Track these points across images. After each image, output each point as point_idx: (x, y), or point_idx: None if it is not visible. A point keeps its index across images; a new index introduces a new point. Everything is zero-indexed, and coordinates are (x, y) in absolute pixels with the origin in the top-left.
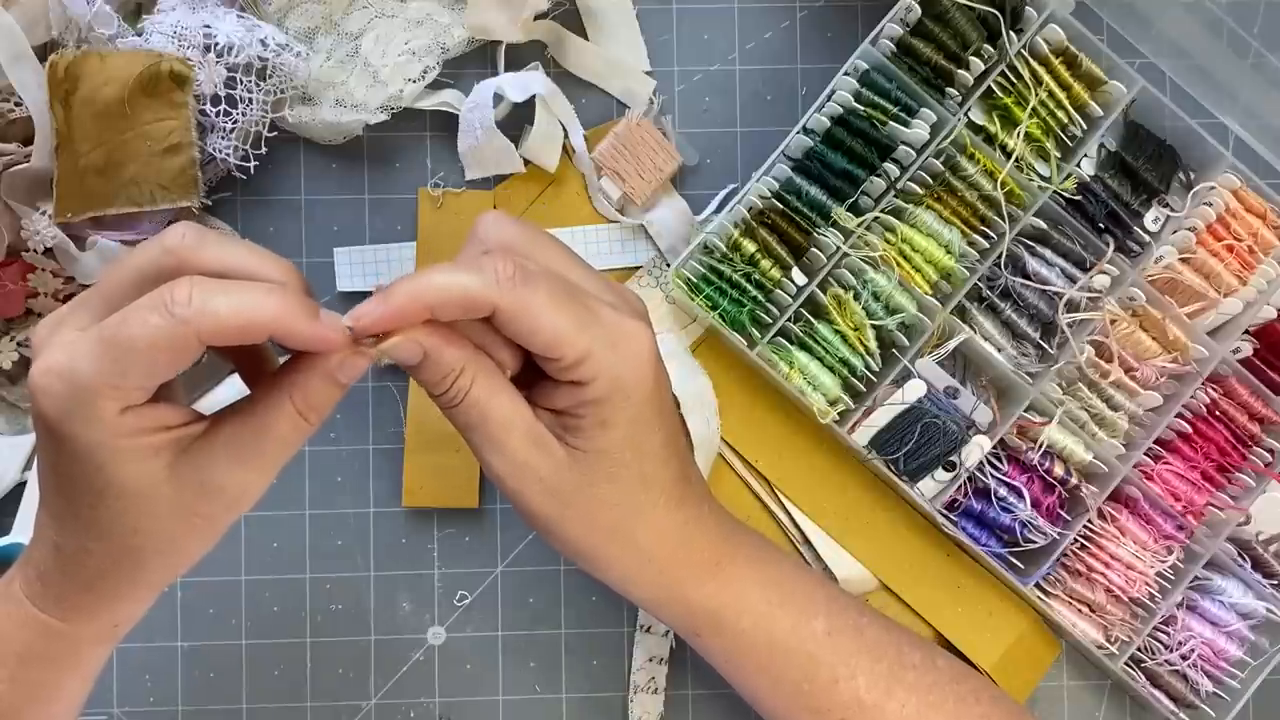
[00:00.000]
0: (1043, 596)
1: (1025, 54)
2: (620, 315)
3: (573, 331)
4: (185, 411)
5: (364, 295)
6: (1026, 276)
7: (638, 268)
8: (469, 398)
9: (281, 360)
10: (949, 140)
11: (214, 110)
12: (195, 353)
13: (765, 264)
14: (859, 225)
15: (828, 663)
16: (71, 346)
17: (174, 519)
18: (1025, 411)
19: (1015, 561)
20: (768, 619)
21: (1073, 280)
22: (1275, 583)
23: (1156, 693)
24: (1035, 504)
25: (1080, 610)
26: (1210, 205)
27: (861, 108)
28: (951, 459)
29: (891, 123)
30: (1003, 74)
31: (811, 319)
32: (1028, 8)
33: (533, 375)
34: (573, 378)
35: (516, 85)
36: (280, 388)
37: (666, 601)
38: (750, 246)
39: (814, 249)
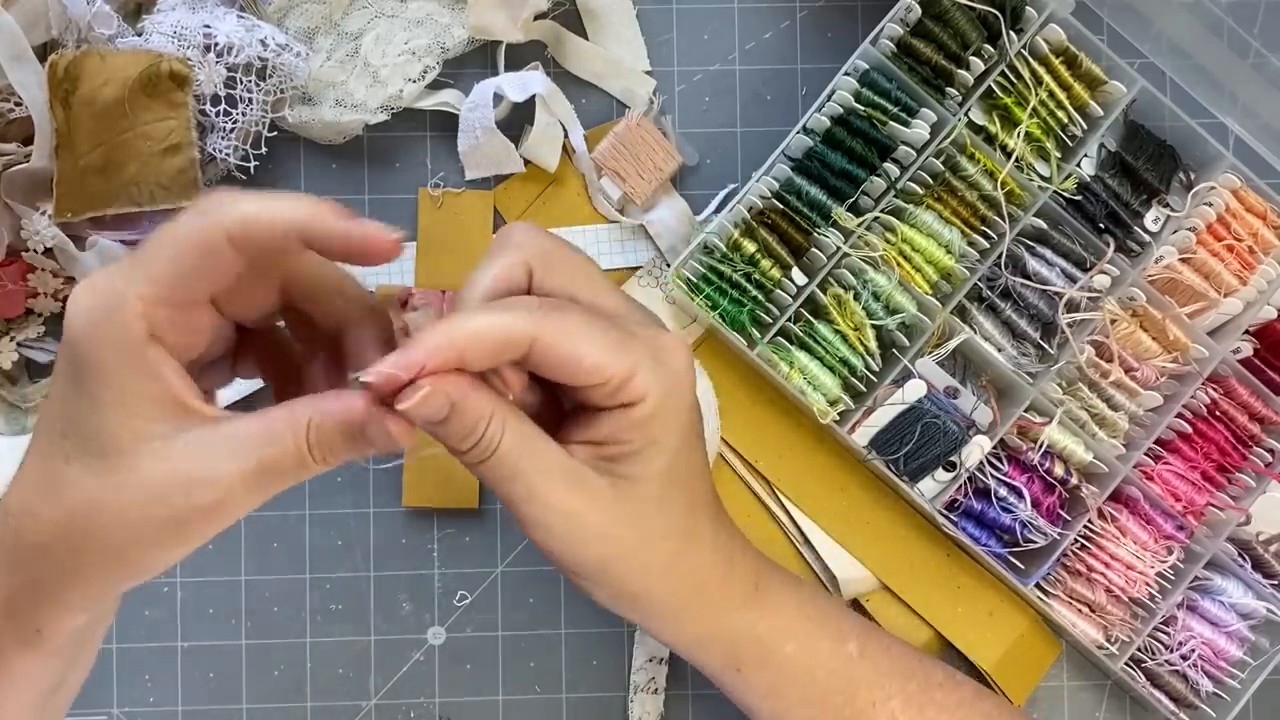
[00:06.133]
0: (1043, 596)
1: (1025, 54)
2: (653, 330)
3: (614, 352)
4: (206, 397)
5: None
6: (1026, 276)
7: (638, 268)
8: (501, 448)
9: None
10: (949, 140)
11: (214, 110)
12: (225, 259)
13: (765, 264)
14: (859, 225)
15: (866, 684)
16: (111, 268)
17: (143, 499)
18: (1025, 411)
19: (1015, 561)
20: (810, 643)
21: (1073, 280)
22: (1275, 583)
23: (1156, 693)
24: (1035, 504)
25: (1080, 610)
26: (1210, 205)
27: (861, 108)
28: (951, 459)
29: (891, 123)
30: (1003, 74)
31: (811, 319)
32: (1028, 8)
33: (553, 414)
34: (621, 400)
35: (516, 85)
36: (303, 403)
37: (710, 636)
38: (750, 246)
39: (814, 249)
